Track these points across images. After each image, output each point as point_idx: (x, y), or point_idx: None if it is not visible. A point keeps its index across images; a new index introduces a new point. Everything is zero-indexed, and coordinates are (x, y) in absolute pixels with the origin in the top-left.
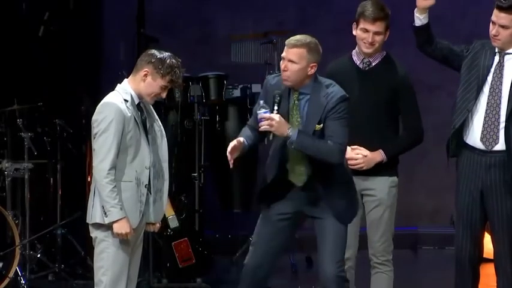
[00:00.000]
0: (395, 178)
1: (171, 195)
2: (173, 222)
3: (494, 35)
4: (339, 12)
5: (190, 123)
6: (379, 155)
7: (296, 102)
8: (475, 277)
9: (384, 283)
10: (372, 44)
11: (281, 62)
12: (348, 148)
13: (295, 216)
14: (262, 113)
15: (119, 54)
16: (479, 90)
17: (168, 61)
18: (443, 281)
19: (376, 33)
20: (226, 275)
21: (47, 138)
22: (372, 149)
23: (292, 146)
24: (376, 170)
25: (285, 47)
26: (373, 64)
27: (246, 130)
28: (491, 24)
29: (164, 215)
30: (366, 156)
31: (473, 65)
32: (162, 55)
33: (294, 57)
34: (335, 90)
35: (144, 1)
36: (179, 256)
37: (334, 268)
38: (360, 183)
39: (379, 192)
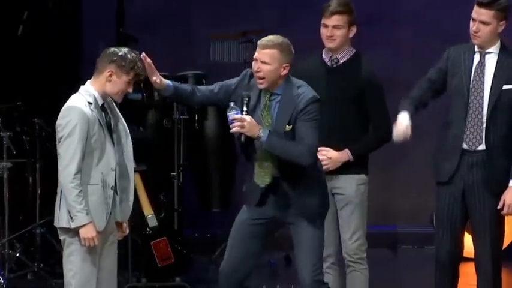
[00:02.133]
0: (363, 176)
1: (151, 195)
2: (152, 221)
3: (475, 32)
4: (319, 10)
5: (169, 122)
6: (345, 155)
7: (267, 102)
8: (455, 276)
9: (359, 282)
10: (330, 37)
11: (253, 63)
12: None
13: (269, 221)
14: (233, 114)
15: (98, 53)
16: (467, 93)
17: (129, 56)
18: (423, 280)
19: (334, 27)
20: (205, 274)
21: (26, 137)
22: (339, 147)
23: (262, 146)
24: (344, 169)
25: (257, 48)
26: (341, 61)
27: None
28: (471, 21)
29: (143, 214)
30: (330, 158)
31: (455, 72)
32: (121, 52)
33: (266, 58)
34: (306, 91)
35: (124, 0)
36: (158, 255)
37: (309, 273)
38: (328, 182)
39: (347, 190)
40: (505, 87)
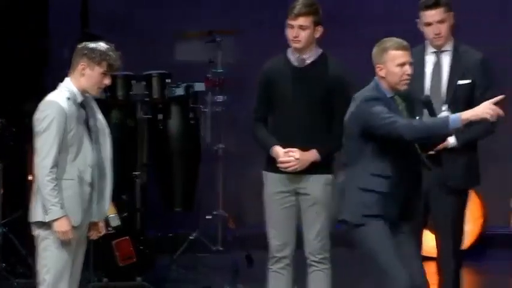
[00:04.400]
0: (330, 176)
1: (113, 194)
2: (114, 221)
3: (437, 34)
4: (281, 11)
5: (132, 121)
6: (313, 155)
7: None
8: None
9: (322, 281)
10: (296, 38)
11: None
12: (281, 151)
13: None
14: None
15: (64, 53)
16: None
17: (99, 48)
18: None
19: (300, 27)
20: (167, 274)
21: None
22: (307, 147)
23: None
24: (311, 169)
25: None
26: (307, 62)
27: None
28: (425, 27)
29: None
30: (298, 158)
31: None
32: (92, 44)
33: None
34: None
35: (88, 0)
36: (120, 255)
37: (422, 274)
38: (294, 182)
39: (313, 190)
40: (459, 82)
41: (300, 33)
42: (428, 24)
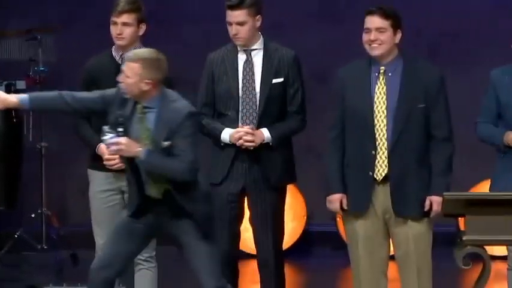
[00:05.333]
0: None
1: None
2: None
3: (235, 34)
4: (103, 8)
5: None
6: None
7: (140, 115)
8: (234, 273)
9: (148, 280)
10: (119, 35)
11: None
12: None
13: (150, 226)
14: (108, 139)
15: None
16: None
17: None
18: None
19: (124, 24)
20: None
21: None
22: None
23: (140, 166)
24: None
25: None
26: None
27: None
28: (228, 26)
29: None
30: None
31: (221, 80)
32: None
33: (128, 71)
34: (182, 106)
35: None
36: None
37: (214, 282)
38: (120, 180)
39: None
40: (274, 81)
41: (124, 30)
42: (229, 23)
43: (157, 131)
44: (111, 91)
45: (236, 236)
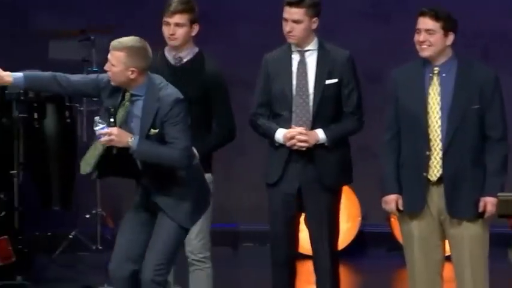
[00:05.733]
0: (209, 175)
1: None
2: None
3: (289, 31)
4: (155, 8)
5: (8, 120)
6: None
7: (126, 103)
8: (292, 274)
9: (203, 280)
10: (172, 35)
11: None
12: None
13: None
14: (99, 129)
15: None
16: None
17: None
18: (264, 278)
19: (176, 24)
20: (46, 273)
21: None
22: None
23: (133, 155)
24: None
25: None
26: (185, 60)
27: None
28: (283, 21)
29: None
30: None
31: (276, 80)
32: None
33: (113, 60)
34: (168, 93)
35: None
36: None
37: (151, 272)
38: None
39: None
40: (327, 81)
41: (177, 31)
42: (285, 19)
43: (145, 119)
44: (104, 76)
45: (293, 236)
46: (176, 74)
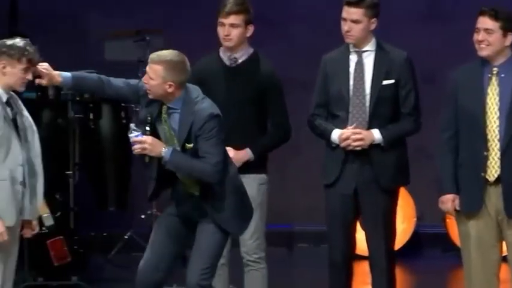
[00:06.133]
0: (264, 176)
1: (45, 194)
2: (48, 221)
3: (347, 31)
4: (208, 8)
5: (63, 121)
6: (245, 154)
7: (164, 116)
8: (349, 274)
9: (258, 280)
10: (227, 36)
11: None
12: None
13: (185, 220)
14: (133, 136)
15: None
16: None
17: (17, 44)
18: (319, 279)
19: (231, 25)
20: (101, 273)
21: None
22: (239, 147)
23: (165, 166)
24: (245, 169)
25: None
26: (240, 61)
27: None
28: (342, 21)
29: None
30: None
31: (333, 81)
32: (9, 42)
33: (151, 73)
34: (203, 107)
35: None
36: (54, 254)
37: (197, 276)
38: None
39: (248, 190)
40: (384, 82)
41: (232, 32)
42: (343, 19)
43: (180, 133)
44: (141, 83)
45: (351, 237)
46: (231, 74)
